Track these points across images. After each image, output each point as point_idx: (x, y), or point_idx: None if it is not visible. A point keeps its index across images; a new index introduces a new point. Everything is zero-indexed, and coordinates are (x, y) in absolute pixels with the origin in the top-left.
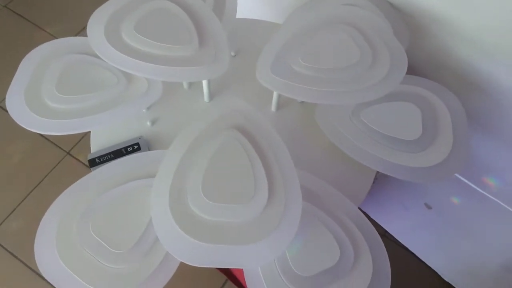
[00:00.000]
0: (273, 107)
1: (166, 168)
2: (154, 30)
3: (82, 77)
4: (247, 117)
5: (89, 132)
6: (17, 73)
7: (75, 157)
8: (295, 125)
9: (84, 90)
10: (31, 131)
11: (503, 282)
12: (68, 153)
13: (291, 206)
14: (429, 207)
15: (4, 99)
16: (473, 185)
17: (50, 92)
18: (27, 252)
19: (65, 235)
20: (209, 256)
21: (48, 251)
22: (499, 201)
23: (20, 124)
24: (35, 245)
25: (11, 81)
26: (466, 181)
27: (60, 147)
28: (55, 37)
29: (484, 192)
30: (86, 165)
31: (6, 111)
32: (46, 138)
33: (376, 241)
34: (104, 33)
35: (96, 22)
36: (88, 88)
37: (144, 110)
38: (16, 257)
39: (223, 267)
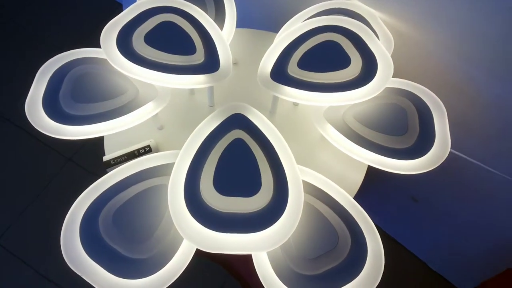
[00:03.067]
0: (272, 109)
1: (181, 166)
2: (163, 41)
3: (96, 86)
4: (251, 118)
5: (90, 138)
6: (34, 83)
7: (76, 163)
8: (292, 124)
9: (98, 98)
10: (32, 139)
11: (488, 268)
12: (70, 159)
13: (293, 197)
14: (415, 200)
15: (5, 110)
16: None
17: (67, 101)
18: (35, 256)
19: (89, 229)
20: (222, 243)
21: (73, 245)
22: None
23: (40, 130)
24: (61, 239)
25: (10, 92)
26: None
27: (62, 154)
28: (61, 46)
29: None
30: (87, 170)
31: (8, 121)
32: (48, 146)
33: (369, 226)
34: (117, 44)
35: (109, 34)
36: (102, 96)
37: (152, 115)
38: (24, 262)
39: (235, 253)
